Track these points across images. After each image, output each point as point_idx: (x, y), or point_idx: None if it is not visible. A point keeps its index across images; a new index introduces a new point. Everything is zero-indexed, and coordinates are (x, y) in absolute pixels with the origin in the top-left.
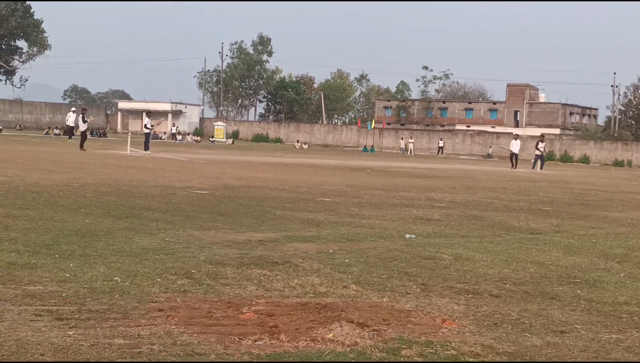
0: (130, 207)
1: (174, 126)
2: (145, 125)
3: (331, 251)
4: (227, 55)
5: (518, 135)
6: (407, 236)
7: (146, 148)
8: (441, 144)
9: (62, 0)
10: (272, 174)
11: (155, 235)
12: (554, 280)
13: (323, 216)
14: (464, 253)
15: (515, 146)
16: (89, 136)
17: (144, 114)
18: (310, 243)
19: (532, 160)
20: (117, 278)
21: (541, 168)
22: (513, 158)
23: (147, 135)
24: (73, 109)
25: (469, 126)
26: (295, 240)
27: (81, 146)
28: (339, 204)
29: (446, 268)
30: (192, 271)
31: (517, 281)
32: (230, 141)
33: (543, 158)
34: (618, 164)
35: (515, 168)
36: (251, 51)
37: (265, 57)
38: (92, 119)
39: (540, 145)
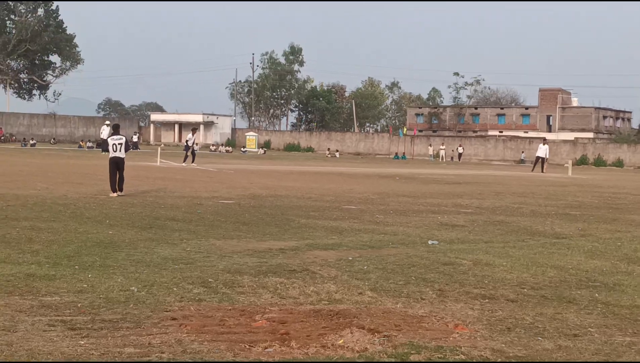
0: (154, 218)
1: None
2: (187, 141)
3: (350, 258)
4: (258, 65)
5: (545, 139)
6: (430, 242)
7: (185, 160)
8: (460, 150)
9: (94, 0)
10: (299, 183)
11: (176, 245)
12: (572, 284)
13: (347, 224)
14: (484, 258)
15: (541, 151)
16: None
17: (192, 129)
18: (330, 250)
19: (532, 162)
20: (133, 288)
21: (542, 171)
22: (539, 161)
23: (187, 148)
24: (107, 122)
25: (501, 132)
26: (316, 247)
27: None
28: (364, 212)
29: (464, 273)
30: (209, 280)
31: (535, 286)
32: (262, 151)
33: (544, 160)
34: None
35: (543, 172)
36: (282, 61)
37: (296, 66)
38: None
39: (543, 147)
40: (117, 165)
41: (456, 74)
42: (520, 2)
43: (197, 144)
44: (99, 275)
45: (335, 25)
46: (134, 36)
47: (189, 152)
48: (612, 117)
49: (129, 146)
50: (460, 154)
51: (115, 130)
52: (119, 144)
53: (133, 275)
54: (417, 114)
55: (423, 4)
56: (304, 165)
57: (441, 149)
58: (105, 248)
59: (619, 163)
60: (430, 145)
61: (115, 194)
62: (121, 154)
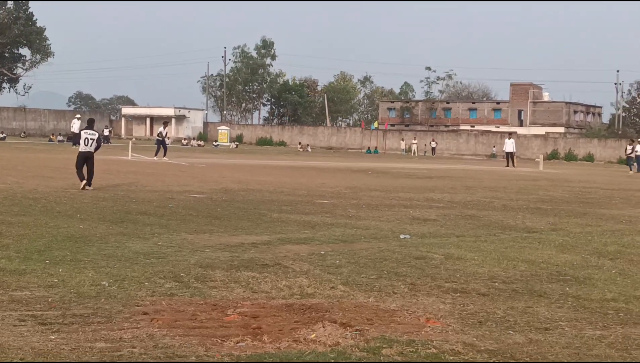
0: (126, 212)
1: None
2: (159, 134)
3: (323, 252)
4: (230, 59)
5: (511, 134)
6: (402, 236)
7: (156, 154)
8: (434, 145)
9: (65, 0)
10: (272, 178)
11: (148, 239)
12: (543, 278)
13: (319, 218)
14: (456, 252)
15: (509, 145)
16: None
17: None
18: (303, 245)
19: (504, 157)
20: (104, 282)
21: (513, 165)
22: (509, 156)
23: (159, 142)
24: (78, 116)
25: (473, 126)
26: (288, 242)
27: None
28: (337, 206)
29: (436, 267)
30: (181, 274)
31: (507, 280)
32: (234, 145)
33: (513, 155)
34: (622, 162)
35: (514, 166)
36: (254, 55)
37: (268, 60)
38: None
39: (508, 142)
40: (85, 160)
41: (428, 68)
42: None
43: (168, 138)
44: (70, 269)
45: (307, 19)
46: (104, 29)
47: (160, 146)
48: (582, 112)
49: (101, 143)
50: (433, 149)
51: (90, 124)
52: (91, 139)
53: (104, 269)
54: (389, 109)
55: None
56: (277, 159)
57: (413, 143)
58: (76, 243)
59: (589, 158)
60: (403, 139)
61: (85, 182)
62: (91, 149)
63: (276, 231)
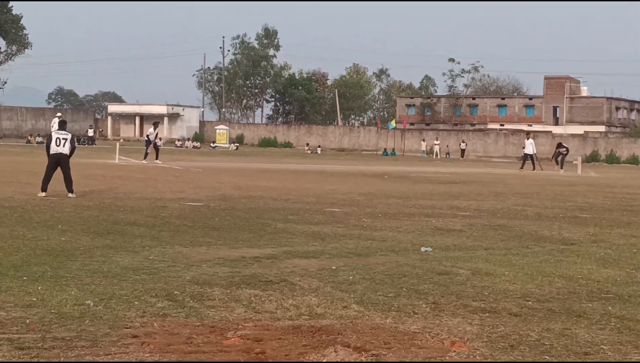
0: (113, 222)
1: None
2: (148, 135)
3: (334, 267)
4: (229, 50)
5: (529, 133)
6: (423, 249)
7: (145, 157)
8: (463, 146)
9: None
10: (276, 183)
11: (138, 252)
12: (583, 296)
13: (329, 229)
14: (484, 267)
15: (529, 147)
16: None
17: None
18: (312, 259)
19: (521, 160)
20: (89, 301)
21: (540, 168)
22: (527, 158)
23: (148, 144)
24: (59, 114)
25: (502, 125)
26: (295, 255)
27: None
28: (349, 215)
29: (462, 284)
30: (175, 292)
31: (541, 298)
32: (233, 146)
33: (533, 157)
34: None
35: (541, 169)
36: (256, 45)
37: (272, 51)
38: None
39: (527, 142)
40: (58, 162)
41: (451, 60)
42: None
43: (160, 138)
44: (50, 287)
45: (314, 3)
46: (88, 17)
47: (150, 148)
48: (626, 108)
49: (75, 146)
50: (463, 151)
51: (61, 126)
52: (63, 139)
53: (89, 287)
54: (408, 105)
55: None
56: (281, 162)
57: (435, 144)
58: (57, 257)
59: (634, 160)
60: (423, 140)
61: (43, 194)
62: (64, 150)
63: (281, 244)
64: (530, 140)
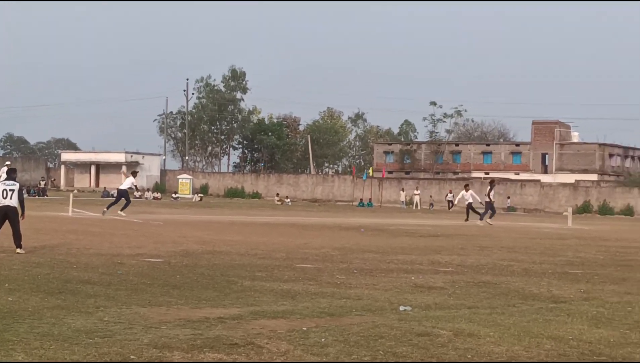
0: (65, 281)
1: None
2: (128, 185)
3: (305, 328)
4: (193, 93)
5: (467, 185)
6: (402, 308)
7: (124, 208)
8: (450, 197)
9: None
10: (243, 237)
11: (91, 313)
12: (573, 358)
13: (301, 287)
14: (467, 327)
15: (469, 197)
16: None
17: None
18: (281, 319)
19: (482, 210)
20: None
21: (490, 218)
22: (470, 208)
23: (120, 196)
24: (7, 163)
25: (487, 173)
26: (263, 316)
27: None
28: (322, 272)
29: (444, 346)
30: (132, 357)
31: (529, 361)
32: (197, 197)
33: (493, 207)
34: None
35: (467, 220)
36: (222, 88)
37: (239, 94)
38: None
39: (492, 192)
40: (6, 215)
41: (433, 103)
42: (506, 12)
43: (135, 188)
44: None
45: (285, 41)
46: (41, 57)
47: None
48: (620, 155)
49: (23, 196)
50: (450, 202)
51: (10, 175)
52: (10, 190)
53: (37, 351)
54: (387, 152)
55: (393, 11)
56: (249, 214)
57: (415, 194)
58: (3, 319)
59: (628, 211)
60: (403, 189)
61: None
62: (12, 202)
63: (248, 303)
64: (470, 191)
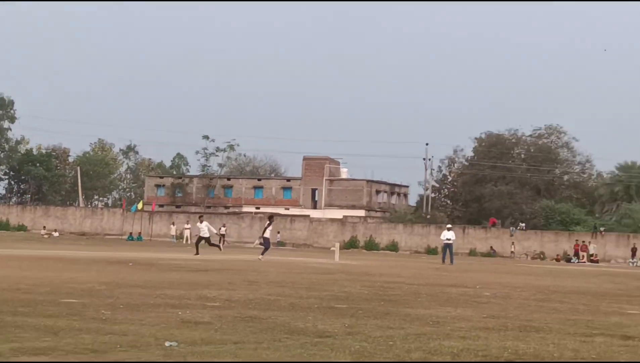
0: None
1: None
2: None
3: None
4: None
5: (202, 216)
6: (167, 344)
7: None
8: (223, 231)
9: None
10: (5, 271)
11: None
12: None
13: (64, 322)
14: None
15: (204, 229)
16: None
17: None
18: (42, 355)
19: (260, 248)
20: None
21: (262, 254)
22: (201, 241)
23: None
24: None
25: (258, 208)
26: (23, 352)
27: None
28: (87, 307)
29: None
30: None
31: None
32: None
33: (269, 243)
34: (431, 252)
35: (197, 253)
36: None
37: (6, 123)
38: None
39: (269, 228)
40: None
41: (206, 137)
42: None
43: None
44: None
45: (53, 70)
46: None
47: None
48: (386, 191)
49: None
50: (222, 236)
51: None
52: None
53: None
54: (158, 186)
55: (148, 46)
56: (14, 248)
57: (186, 228)
58: None
59: (393, 246)
60: (173, 223)
61: None
62: None
63: (8, 340)
64: (205, 223)
